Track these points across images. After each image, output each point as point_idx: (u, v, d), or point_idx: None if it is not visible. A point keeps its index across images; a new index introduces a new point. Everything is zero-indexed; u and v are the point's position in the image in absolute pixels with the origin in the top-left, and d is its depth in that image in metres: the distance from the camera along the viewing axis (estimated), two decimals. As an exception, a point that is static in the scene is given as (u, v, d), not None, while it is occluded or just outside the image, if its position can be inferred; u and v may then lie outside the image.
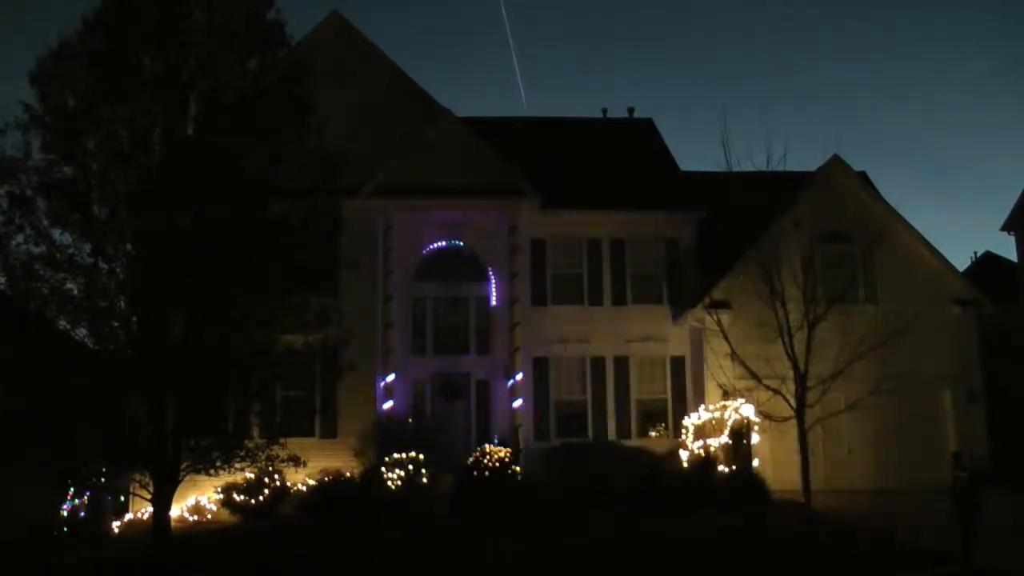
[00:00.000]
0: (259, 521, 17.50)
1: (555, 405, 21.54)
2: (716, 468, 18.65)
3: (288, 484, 18.41)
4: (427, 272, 21.51)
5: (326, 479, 18.27)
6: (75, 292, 13.75)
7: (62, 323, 13.98)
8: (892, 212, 21.22)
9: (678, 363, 21.76)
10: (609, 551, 13.68)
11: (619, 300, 22.06)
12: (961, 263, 30.77)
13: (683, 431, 20.36)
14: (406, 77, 21.99)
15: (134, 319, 14.05)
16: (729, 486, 17.89)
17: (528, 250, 21.57)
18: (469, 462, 18.44)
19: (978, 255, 33.53)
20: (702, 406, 20.06)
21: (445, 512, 17.11)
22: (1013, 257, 27.24)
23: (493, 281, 21.38)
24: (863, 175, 24.14)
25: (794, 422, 18.63)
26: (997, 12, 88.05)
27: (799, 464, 18.24)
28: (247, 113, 14.47)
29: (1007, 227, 26.31)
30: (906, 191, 77.62)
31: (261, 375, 14.50)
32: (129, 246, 14.12)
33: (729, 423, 18.85)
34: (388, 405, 19.89)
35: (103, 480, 15.61)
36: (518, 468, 18.52)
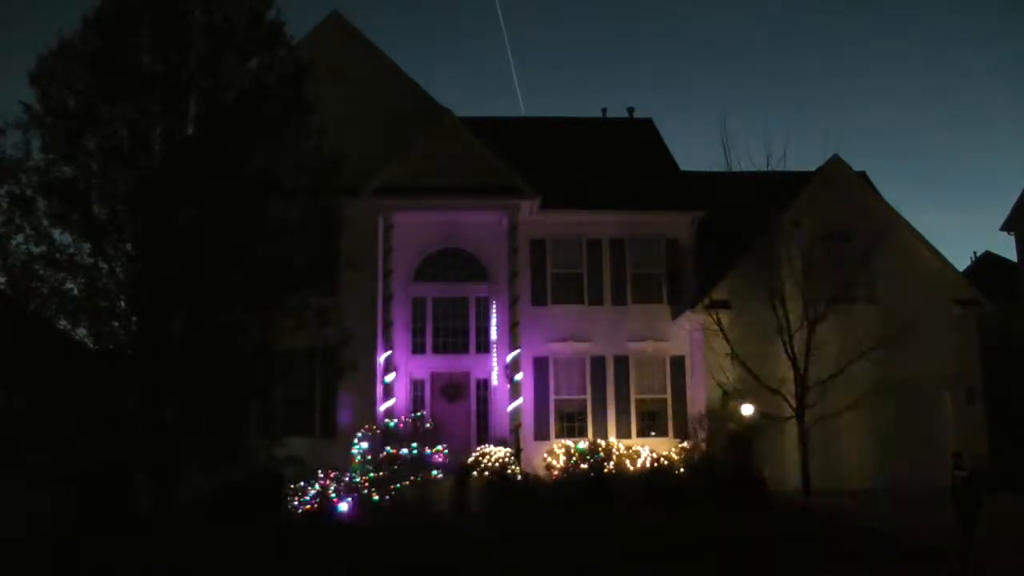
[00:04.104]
0: (259, 521, 17.46)
1: (555, 405, 21.56)
2: (716, 468, 18.65)
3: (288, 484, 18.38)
4: (427, 272, 21.51)
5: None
6: (75, 292, 13.79)
7: (62, 323, 14.01)
8: (892, 212, 21.22)
9: (678, 363, 21.76)
10: (608, 551, 13.67)
11: (619, 300, 22.06)
12: (961, 263, 30.72)
13: (683, 431, 20.36)
14: (406, 77, 22.00)
15: (134, 319, 14.07)
16: (729, 486, 17.90)
17: (528, 250, 21.58)
18: (469, 462, 18.44)
19: (978, 255, 33.50)
20: (702, 406, 20.06)
21: (445, 512, 17.11)
22: (1013, 257, 27.21)
23: (493, 281, 21.38)
24: (863, 175, 24.14)
25: (794, 422, 18.64)
26: (997, 12, 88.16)
27: (799, 464, 18.25)
28: (247, 113, 14.48)
29: (1007, 227, 26.28)
30: (906, 191, 77.51)
31: (261, 375, 14.52)
32: (129, 246, 14.15)
33: (729, 423, 18.85)
34: (388, 405, 19.89)
35: (103, 480, 15.60)
36: (518, 468, 18.53)
